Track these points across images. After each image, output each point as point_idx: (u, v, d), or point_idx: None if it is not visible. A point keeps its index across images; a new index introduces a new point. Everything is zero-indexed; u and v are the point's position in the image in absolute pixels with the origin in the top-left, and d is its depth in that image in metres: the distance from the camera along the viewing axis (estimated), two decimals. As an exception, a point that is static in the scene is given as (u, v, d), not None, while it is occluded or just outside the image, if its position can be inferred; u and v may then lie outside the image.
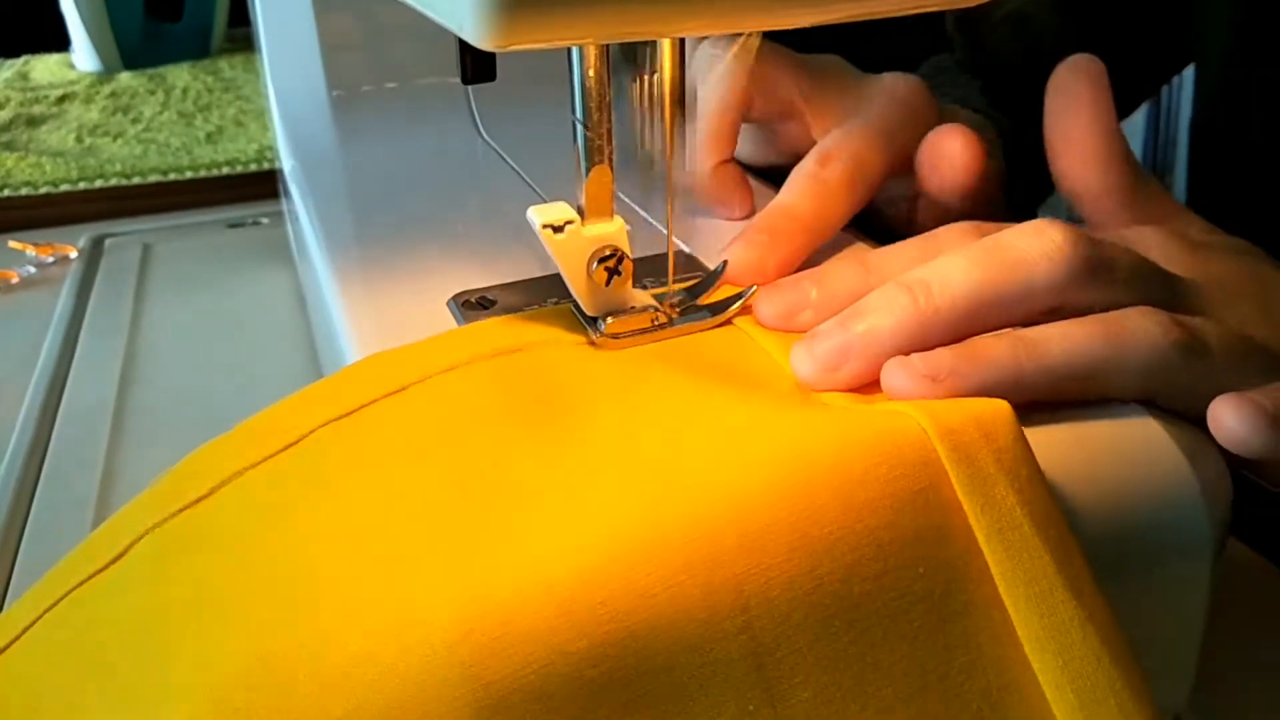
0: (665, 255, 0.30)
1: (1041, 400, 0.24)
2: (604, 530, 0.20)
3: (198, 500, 0.24)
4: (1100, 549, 0.24)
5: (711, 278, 0.30)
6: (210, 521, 0.23)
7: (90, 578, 0.23)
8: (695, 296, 0.30)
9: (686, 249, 0.34)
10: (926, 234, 0.29)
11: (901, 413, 0.22)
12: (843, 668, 0.20)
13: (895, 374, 0.24)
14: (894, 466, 0.21)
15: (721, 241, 0.32)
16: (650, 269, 0.31)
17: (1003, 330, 0.25)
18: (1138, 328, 0.24)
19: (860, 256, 0.29)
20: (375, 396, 0.25)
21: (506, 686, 0.18)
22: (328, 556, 0.21)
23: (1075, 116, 0.32)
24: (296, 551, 0.22)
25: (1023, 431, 0.22)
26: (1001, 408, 0.22)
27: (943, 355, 0.24)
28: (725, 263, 0.30)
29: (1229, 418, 0.23)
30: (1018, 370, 0.23)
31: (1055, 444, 0.25)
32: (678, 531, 0.20)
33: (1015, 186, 0.43)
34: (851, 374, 0.25)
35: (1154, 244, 0.29)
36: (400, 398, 0.25)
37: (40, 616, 0.23)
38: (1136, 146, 0.45)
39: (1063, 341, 0.24)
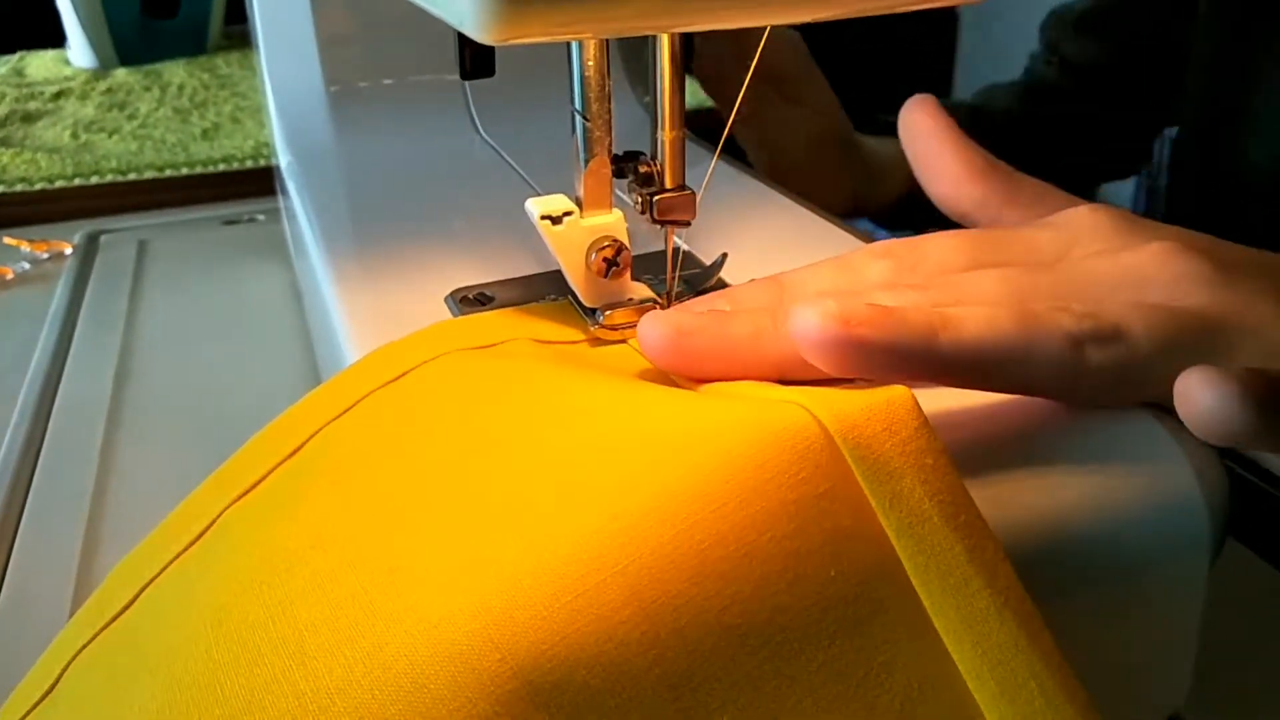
0: (663, 252, 0.30)
1: (951, 386, 0.24)
2: (498, 578, 0.19)
3: (119, 614, 0.23)
4: (1099, 548, 0.24)
5: (710, 270, 0.30)
6: (127, 633, 0.23)
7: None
8: (694, 288, 0.30)
9: (685, 246, 0.34)
10: (843, 254, 0.28)
11: (798, 406, 0.21)
12: (760, 684, 0.20)
13: (806, 314, 0.22)
14: (796, 472, 0.20)
15: (720, 238, 0.32)
16: (648, 266, 0.31)
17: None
18: (1048, 317, 0.23)
19: (775, 277, 0.28)
20: (268, 469, 0.25)
21: None
22: (229, 646, 0.20)
23: (929, 146, 0.32)
24: (193, 645, 0.21)
25: (926, 418, 0.21)
26: (902, 395, 0.21)
27: (858, 304, 0.22)
28: (724, 255, 0.30)
29: (1203, 394, 0.21)
30: (930, 337, 0.22)
31: (1053, 442, 0.25)
32: (574, 573, 0.19)
33: None
34: (697, 347, 0.24)
35: (1086, 226, 0.28)
36: (297, 457, 0.25)
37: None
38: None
39: (976, 319, 0.23)
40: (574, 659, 0.18)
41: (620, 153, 0.28)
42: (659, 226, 0.28)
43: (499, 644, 0.18)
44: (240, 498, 0.24)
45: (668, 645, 0.19)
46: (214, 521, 0.24)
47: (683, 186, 0.28)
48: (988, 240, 0.28)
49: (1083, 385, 0.24)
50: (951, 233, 0.28)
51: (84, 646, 0.23)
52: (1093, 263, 0.27)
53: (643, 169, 0.28)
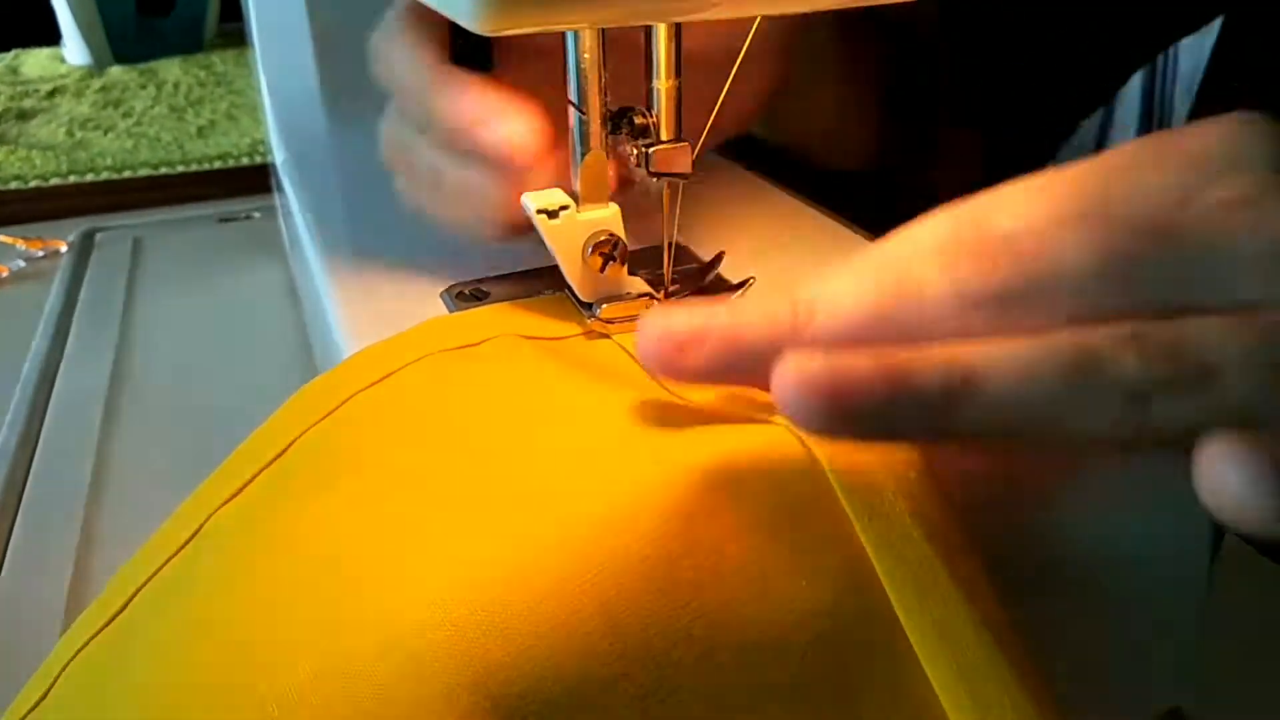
0: (660, 246, 0.30)
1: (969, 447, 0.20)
2: (463, 587, 0.19)
3: (112, 619, 0.23)
4: (1098, 544, 0.24)
5: (706, 268, 0.30)
6: (118, 638, 0.23)
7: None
8: (691, 285, 0.30)
9: (681, 240, 0.34)
10: (891, 254, 0.21)
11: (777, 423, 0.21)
12: (730, 696, 0.20)
13: (786, 372, 0.18)
14: (772, 484, 0.20)
15: (719, 234, 0.31)
16: (645, 260, 0.31)
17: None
18: (1110, 359, 0.18)
19: (790, 294, 0.23)
20: (252, 474, 0.25)
21: None
22: (203, 651, 0.20)
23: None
24: (173, 649, 0.21)
25: None
26: None
27: (856, 360, 0.18)
28: (721, 254, 0.30)
29: (1233, 474, 0.17)
30: (944, 400, 0.18)
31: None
32: (540, 583, 0.19)
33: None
34: (700, 361, 0.20)
35: (1226, 152, 0.20)
36: (280, 462, 0.25)
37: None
38: (1133, 112, 0.43)
39: (1008, 371, 0.18)
40: (539, 671, 0.18)
41: (613, 109, 0.27)
42: (654, 180, 0.27)
43: (462, 655, 0.18)
44: (225, 504, 0.24)
45: (635, 658, 0.19)
46: (200, 528, 0.24)
47: (679, 138, 0.27)
48: (1077, 195, 0.20)
49: (1140, 443, 0.18)
50: (1027, 183, 0.21)
51: (79, 651, 0.23)
52: (1224, 219, 0.19)
53: (638, 121, 0.26)
